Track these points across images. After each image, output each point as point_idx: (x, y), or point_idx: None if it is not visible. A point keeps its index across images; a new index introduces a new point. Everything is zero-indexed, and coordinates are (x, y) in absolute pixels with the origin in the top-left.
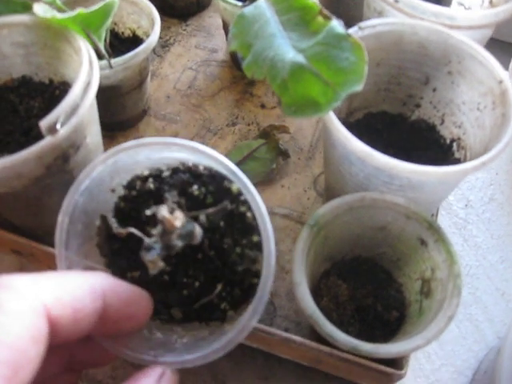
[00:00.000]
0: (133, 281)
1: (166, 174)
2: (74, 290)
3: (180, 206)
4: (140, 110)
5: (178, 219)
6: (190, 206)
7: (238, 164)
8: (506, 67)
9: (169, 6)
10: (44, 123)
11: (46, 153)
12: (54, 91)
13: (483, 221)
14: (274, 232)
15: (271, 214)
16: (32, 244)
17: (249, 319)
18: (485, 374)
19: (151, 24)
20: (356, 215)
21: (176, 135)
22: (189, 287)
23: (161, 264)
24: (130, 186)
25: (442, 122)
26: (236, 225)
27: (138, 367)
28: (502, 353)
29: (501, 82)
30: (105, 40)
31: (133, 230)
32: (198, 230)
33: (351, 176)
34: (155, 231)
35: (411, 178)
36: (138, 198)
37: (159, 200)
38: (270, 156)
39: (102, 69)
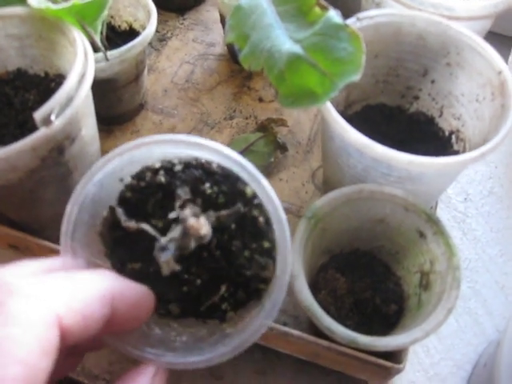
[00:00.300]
0: (133, 272)
1: (177, 167)
2: (85, 296)
3: (194, 204)
4: (137, 103)
5: (204, 227)
6: (201, 204)
7: None
8: (506, 61)
9: None
10: (38, 114)
11: (41, 144)
12: (49, 84)
13: (482, 214)
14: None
15: None
16: (28, 238)
17: (260, 326)
18: (484, 367)
19: (148, 17)
20: (354, 207)
21: (173, 129)
22: (189, 284)
23: (175, 266)
24: (139, 176)
25: (441, 114)
26: (247, 228)
27: (135, 362)
28: (501, 346)
29: (500, 72)
30: (101, 33)
31: (145, 226)
32: (208, 230)
33: (349, 168)
34: (172, 233)
35: (410, 170)
36: (146, 189)
37: (169, 194)
38: (267, 149)
39: (98, 61)
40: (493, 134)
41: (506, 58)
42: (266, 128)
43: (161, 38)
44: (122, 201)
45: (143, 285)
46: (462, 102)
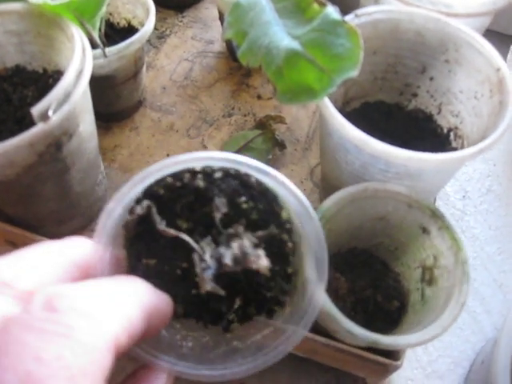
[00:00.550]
0: (147, 268)
1: (217, 175)
2: (131, 314)
3: (229, 219)
4: (135, 100)
5: (263, 260)
6: (234, 216)
7: None
8: (505, 59)
9: None
10: (36, 110)
11: (38, 140)
12: (47, 80)
13: (481, 212)
14: None
15: None
16: (26, 234)
17: (280, 352)
18: (482, 364)
19: (146, 14)
20: (358, 206)
21: (172, 126)
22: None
23: (219, 290)
24: (177, 176)
25: (439, 111)
26: (273, 249)
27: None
28: (498, 344)
29: (498, 69)
30: (99, 29)
31: (185, 237)
32: (267, 263)
33: (347, 165)
34: (220, 254)
35: (408, 166)
36: (180, 189)
37: (202, 199)
38: (266, 147)
39: (96, 58)
40: (491, 130)
41: (504, 57)
42: (264, 125)
43: (159, 36)
44: (152, 195)
45: (156, 283)
46: (461, 99)
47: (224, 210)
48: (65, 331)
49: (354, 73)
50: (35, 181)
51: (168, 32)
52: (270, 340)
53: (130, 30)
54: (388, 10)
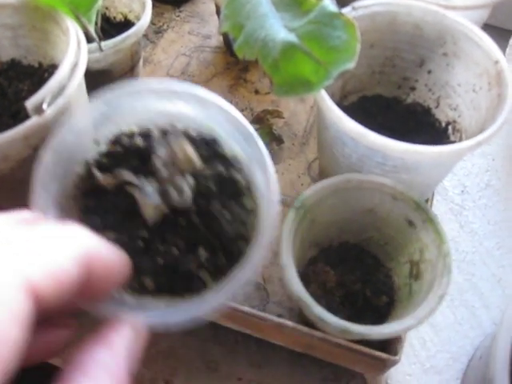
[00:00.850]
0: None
1: (155, 133)
2: (60, 256)
3: (173, 165)
4: None
5: (194, 155)
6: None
7: None
8: (504, 53)
9: None
10: (30, 103)
11: (33, 133)
12: (42, 74)
13: (479, 207)
14: None
15: None
16: None
17: (240, 280)
18: (480, 359)
19: (143, 8)
20: (343, 197)
21: None
22: (165, 255)
23: (164, 208)
24: (115, 141)
25: (438, 104)
26: (227, 190)
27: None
28: (496, 339)
29: (497, 62)
30: (96, 23)
31: (127, 174)
32: (188, 191)
33: (344, 158)
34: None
35: (405, 159)
36: (123, 155)
37: (147, 159)
38: (263, 141)
39: (92, 52)
40: (489, 124)
41: (503, 51)
42: (261, 120)
43: (157, 31)
44: (98, 166)
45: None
46: (459, 92)
47: (166, 158)
48: None
49: (350, 65)
50: (29, 175)
51: (165, 27)
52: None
53: (127, 25)
54: (386, 3)
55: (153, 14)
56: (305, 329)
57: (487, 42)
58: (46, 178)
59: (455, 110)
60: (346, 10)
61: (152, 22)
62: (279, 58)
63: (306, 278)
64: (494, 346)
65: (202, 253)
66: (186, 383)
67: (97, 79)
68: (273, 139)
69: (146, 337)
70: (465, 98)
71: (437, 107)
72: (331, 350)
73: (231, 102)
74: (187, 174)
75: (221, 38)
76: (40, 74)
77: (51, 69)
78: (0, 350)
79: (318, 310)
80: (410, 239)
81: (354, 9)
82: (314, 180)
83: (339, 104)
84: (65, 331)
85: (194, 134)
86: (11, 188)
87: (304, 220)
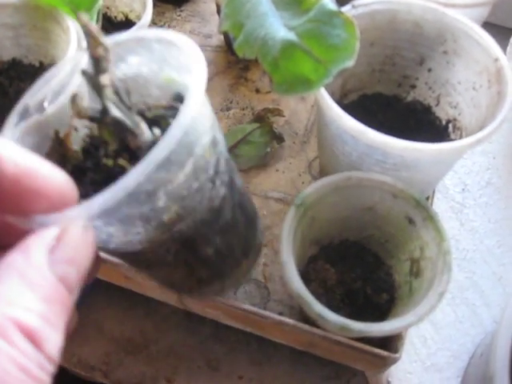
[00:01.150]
0: (91, 183)
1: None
2: None
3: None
4: None
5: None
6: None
7: (232, 148)
8: (504, 51)
9: None
10: (31, 101)
11: (34, 131)
12: (44, 73)
13: (480, 205)
14: (268, 216)
15: (265, 197)
16: None
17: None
18: (481, 357)
19: (143, 7)
20: (343, 195)
21: None
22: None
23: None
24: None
25: (438, 102)
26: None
27: (133, 353)
28: (497, 336)
29: (496, 59)
30: (97, 23)
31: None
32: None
33: (344, 156)
34: None
35: (405, 156)
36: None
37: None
38: (264, 140)
39: None
40: (489, 121)
41: (504, 49)
42: (262, 118)
43: None
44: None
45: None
46: (459, 90)
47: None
48: None
49: (349, 63)
50: None
51: (166, 26)
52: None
53: (128, 24)
54: (385, 1)
55: (154, 13)
56: (305, 327)
57: (487, 39)
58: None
59: (455, 108)
60: (345, 9)
61: (153, 22)
62: (279, 57)
63: (306, 275)
64: (495, 343)
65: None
66: (187, 381)
67: None
68: (273, 138)
69: (89, 244)
70: (465, 95)
71: (437, 105)
72: (332, 347)
73: (232, 101)
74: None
75: (222, 38)
76: (41, 73)
77: None
78: None
79: (319, 308)
80: (411, 237)
81: (353, 7)
82: (315, 178)
83: (339, 102)
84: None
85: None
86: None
87: (304, 218)
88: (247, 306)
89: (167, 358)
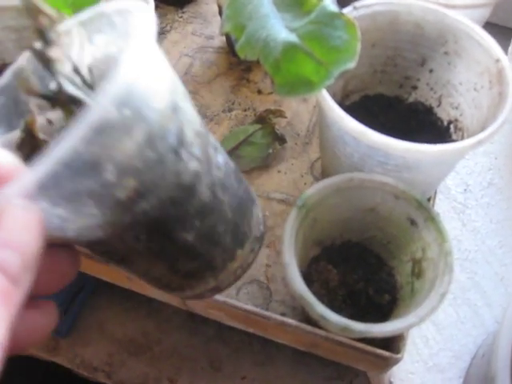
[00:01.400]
0: None
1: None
2: None
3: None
4: None
5: None
6: None
7: (234, 149)
8: (506, 51)
9: None
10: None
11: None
12: None
13: (482, 205)
14: (270, 217)
15: (268, 199)
16: None
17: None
18: (483, 357)
19: None
20: (345, 197)
21: None
22: None
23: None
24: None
25: (439, 103)
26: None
27: (134, 354)
28: (498, 337)
29: (498, 60)
30: None
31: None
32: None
33: (346, 158)
34: None
35: (406, 158)
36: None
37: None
38: (266, 141)
39: None
40: (491, 122)
41: (505, 49)
42: (264, 119)
43: (160, 32)
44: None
45: None
46: (461, 91)
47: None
48: None
49: (351, 65)
50: None
51: (168, 28)
52: None
53: None
54: (387, 2)
55: (156, 15)
56: (308, 327)
57: (488, 40)
58: None
59: (457, 108)
60: (346, 10)
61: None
62: (280, 58)
63: (308, 276)
64: (496, 344)
65: None
66: (190, 382)
67: None
68: (275, 139)
69: (32, 226)
70: (466, 96)
71: (438, 106)
72: (334, 348)
73: (234, 102)
74: None
75: (224, 39)
76: None
77: None
78: None
79: (321, 309)
80: (412, 238)
81: (355, 8)
82: (317, 179)
83: (341, 103)
84: (47, 315)
85: None
86: None
87: (306, 219)
88: (250, 307)
89: (170, 359)
